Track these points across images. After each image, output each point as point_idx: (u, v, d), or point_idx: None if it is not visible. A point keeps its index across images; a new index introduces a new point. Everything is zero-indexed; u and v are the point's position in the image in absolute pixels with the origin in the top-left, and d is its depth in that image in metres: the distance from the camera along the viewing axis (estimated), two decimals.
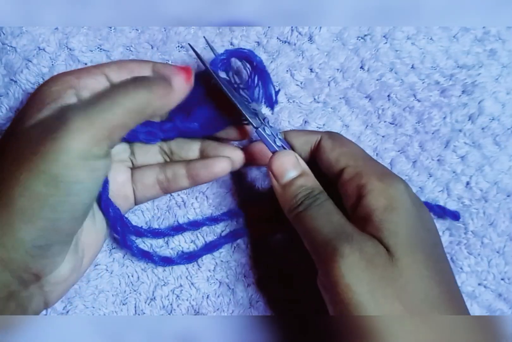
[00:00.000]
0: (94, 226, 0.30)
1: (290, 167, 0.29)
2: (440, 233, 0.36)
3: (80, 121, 0.23)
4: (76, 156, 0.23)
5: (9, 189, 0.23)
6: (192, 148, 0.33)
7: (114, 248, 0.36)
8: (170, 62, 0.35)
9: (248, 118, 0.30)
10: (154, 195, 0.33)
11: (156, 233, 0.35)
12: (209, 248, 0.35)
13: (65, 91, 0.25)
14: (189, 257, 0.35)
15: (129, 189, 0.32)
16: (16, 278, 0.24)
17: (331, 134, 0.32)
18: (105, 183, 0.30)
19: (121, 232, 0.32)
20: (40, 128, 0.24)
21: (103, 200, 0.30)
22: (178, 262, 0.35)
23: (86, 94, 0.26)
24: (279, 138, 0.31)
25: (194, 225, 0.35)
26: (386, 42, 0.35)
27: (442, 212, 0.36)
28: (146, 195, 0.33)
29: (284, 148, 0.31)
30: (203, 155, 0.33)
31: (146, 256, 0.34)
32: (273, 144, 0.30)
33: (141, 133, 0.30)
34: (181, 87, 0.27)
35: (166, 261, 0.35)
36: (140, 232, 0.34)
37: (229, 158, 0.32)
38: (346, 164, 0.30)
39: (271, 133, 0.31)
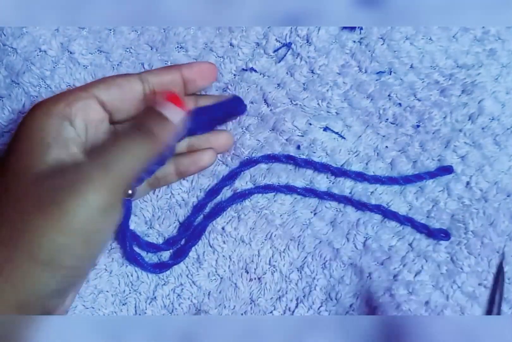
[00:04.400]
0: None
1: None
2: None
3: (98, 175, 0.24)
4: (96, 210, 0.24)
5: (32, 238, 0.23)
6: (180, 145, 0.34)
7: (113, 248, 0.36)
8: (169, 63, 0.36)
9: None
10: (141, 195, 0.34)
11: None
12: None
13: (61, 125, 0.26)
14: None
15: None
16: (27, 316, 0.25)
17: None
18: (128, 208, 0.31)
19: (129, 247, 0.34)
20: (57, 178, 0.24)
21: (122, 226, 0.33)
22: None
23: (80, 122, 0.26)
24: None
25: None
26: (383, 43, 0.35)
27: (427, 232, 0.36)
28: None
29: None
30: (189, 148, 0.34)
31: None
32: None
33: None
34: (178, 118, 0.28)
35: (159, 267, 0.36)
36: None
37: (212, 149, 0.34)
38: None
39: None
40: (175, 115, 0.28)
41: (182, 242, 0.36)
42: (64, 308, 0.29)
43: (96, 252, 0.26)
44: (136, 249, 0.36)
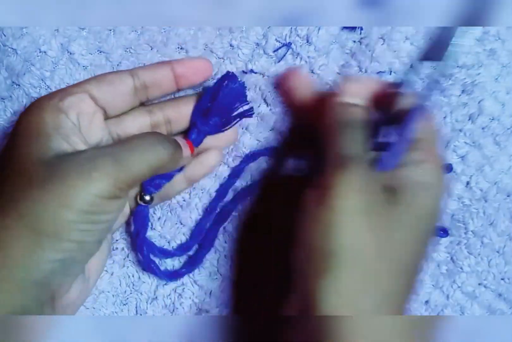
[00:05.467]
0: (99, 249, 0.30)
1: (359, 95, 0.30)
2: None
3: (110, 168, 0.25)
4: (105, 196, 0.25)
5: (38, 214, 0.24)
6: None
7: (114, 249, 0.36)
8: None
9: None
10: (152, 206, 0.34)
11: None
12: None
13: (58, 117, 0.27)
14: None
15: (127, 208, 0.33)
16: (34, 301, 0.25)
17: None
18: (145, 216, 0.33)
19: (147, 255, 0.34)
20: (64, 162, 0.25)
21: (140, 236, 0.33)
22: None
23: (73, 115, 0.27)
24: None
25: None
26: (383, 43, 0.35)
27: None
28: None
29: None
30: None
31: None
32: None
33: None
34: (187, 155, 0.31)
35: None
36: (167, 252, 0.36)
37: (216, 149, 0.34)
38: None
39: None
40: (187, 155, 0.31)
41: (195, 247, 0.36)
42: (74, 303, 0.29)
43: (101, 229, 0.27)
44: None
